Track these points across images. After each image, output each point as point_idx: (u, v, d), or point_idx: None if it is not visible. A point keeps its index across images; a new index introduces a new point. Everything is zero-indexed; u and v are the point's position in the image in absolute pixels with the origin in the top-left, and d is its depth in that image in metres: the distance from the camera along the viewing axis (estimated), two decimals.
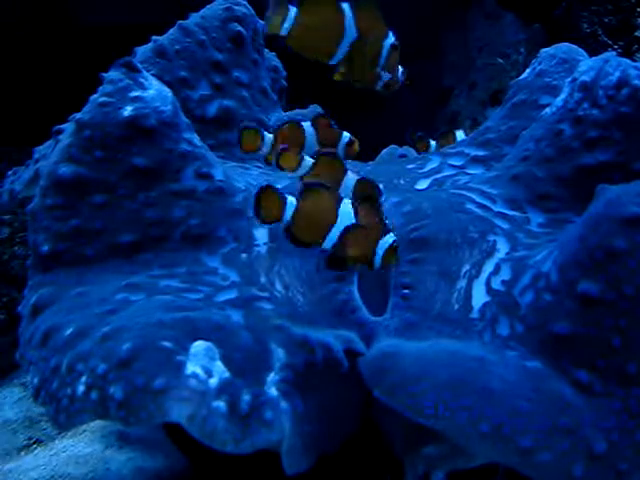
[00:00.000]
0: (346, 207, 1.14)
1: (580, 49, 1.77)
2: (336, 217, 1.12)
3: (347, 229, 1.13)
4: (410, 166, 1.75)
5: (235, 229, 1.34)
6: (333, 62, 1.12)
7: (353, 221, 1.13)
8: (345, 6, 1.10)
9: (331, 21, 1.09)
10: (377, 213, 1.16)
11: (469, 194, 1.48)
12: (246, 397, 0.95)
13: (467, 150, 1.74)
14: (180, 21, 1.67)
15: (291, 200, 1.14)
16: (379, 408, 1.04)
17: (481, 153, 1.72)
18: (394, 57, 1.10)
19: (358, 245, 1.14)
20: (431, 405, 0.92)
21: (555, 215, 1.40)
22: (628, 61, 1.42)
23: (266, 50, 1.80)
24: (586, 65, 1.43)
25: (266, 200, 1.16)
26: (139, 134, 1.30)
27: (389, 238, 1.16)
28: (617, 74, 1.38)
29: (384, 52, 1.10)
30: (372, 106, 2.97)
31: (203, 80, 1.63)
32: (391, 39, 1.10)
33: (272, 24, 1.09)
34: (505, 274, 1.21)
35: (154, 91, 1.34)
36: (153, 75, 1.42)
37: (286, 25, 1.08)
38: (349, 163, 1.70)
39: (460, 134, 1.96)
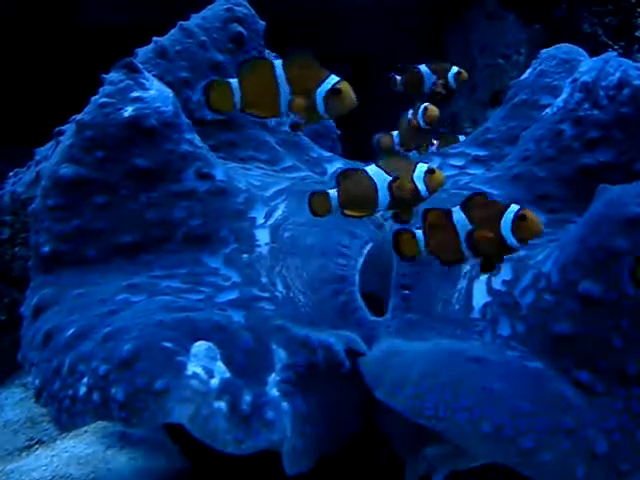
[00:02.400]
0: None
1: (581, 49, 1.77)
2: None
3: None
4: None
5: (236, 229, 1.34)
6: (281, 118, 1.14)
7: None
8: (277, 63, 1.13)
9: (265, 81, 1.12)
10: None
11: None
12: (247, 397, 0.95)
13: (468, 150, 1.75)
14: (181, 22, 1.67)
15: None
16: (380, 408, 1.04)
17: (482, 153, 1.72)
18: (337, 99, 1.11)
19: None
20: (432, 406, 0.92)
21: (556, 215, 1.40)
22: (629, 61, 1.42)
23: (267, 51, 1.80)
24: (587, 65, 1.43)
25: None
26: (140, 135, 1.30)
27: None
28: (618, 74, 1.38)
29: (319, 99, 1.11)
30: (372, 106, 2.97)
31: (204, 81, 1.63)
32: (329, 84, 1.10)
33: (219, 102, 1.13)
34: (506, 274, 1.21)
35: (155, 91, 1.34)
36: (154, 76, 1.42)
37: (235, 99, 1.12)
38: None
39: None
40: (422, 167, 1.16)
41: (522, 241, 1.08)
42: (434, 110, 1.74)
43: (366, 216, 1.20)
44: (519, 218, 1.07)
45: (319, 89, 1.11)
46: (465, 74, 1.77)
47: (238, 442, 0.92)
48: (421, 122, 1.75)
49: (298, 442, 0.96)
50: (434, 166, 1.18)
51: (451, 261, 1.15)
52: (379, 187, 1.15)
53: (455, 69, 1.78)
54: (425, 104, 1.75)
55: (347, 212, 1.16)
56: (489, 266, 1.14)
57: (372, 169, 1.16)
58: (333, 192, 1.16)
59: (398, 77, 1.83)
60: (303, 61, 1.13)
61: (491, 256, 1.12)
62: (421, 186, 1.16)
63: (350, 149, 1.99)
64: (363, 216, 1.18)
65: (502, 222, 1.08)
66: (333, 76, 1.12)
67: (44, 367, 1.07)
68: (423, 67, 1.80)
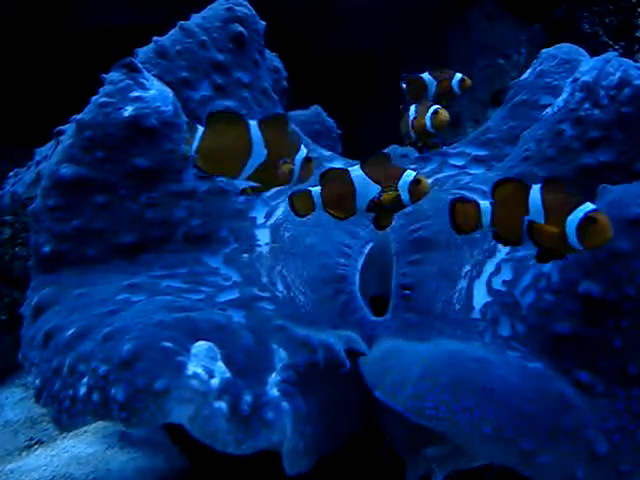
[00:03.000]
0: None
1: (581, 49, 1.76)
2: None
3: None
4: (411, 166, 1.75)
5: (237, 229, 1.34)
6: (240, 179, 1.12)
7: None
8: (253, 125, 1.08)
9: (237, 141, 1.08)
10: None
11: (470, 194, 1.48)
12: (247, 398, 0.95)
13: (468, 150, 1.74)
14: (181, 22, 1.67)
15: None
16: (380, 408, 1.04)
17: (482, 153, 1.72)
18: (308, 169, 1.12)
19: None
20: (432, 406, 0.92)
21: None
22: (629, 61, 1.42)
23: (267, 50, 1.80)
24: (587, 65, 1.43)
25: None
26: (140, 134, 1.30)
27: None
28: (618, 74, 1.38)
29: (296, 170, 1.12)
30: (372, 106, 2.97)
31: (204, 81, 1.63)
32: (303, 153, 1.11)
33: (186, 145, 1.10)
34: (506, 274, 1.21)
35: (155, 91, 1.34)
36: (154, 76, 1.42)
37: (194, 144, 1.07)
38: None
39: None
40: (409, 175, 1.14)
41: (586, 247, 0.97)
42: (445, 115, 1.67)
43: (345, 218, 1.18)
44: (589, 220, 0.96)
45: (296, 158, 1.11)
46: (469, 81, 1.75)
47: (238, 442, 0.92)
48: (428, 124, 1.69)
49: (298, 442, 0.96)
50: (421, 174, 1.16)
51: (513, 243, 1.10)
52: (358, 190, 1.14)
53: (459, 76, 1.76)
54: (435, 107, 1.68)
55: (329, 211, 1.16)
56: (546, 258, 1.05)
57: (355, 171, 1.15)
58: (315, 190, 1.16)
59: (404, 85, 1.82)
60: (281, 130, 1.10)
61: (552, 250, 1.03)
62: (404, 195, 1.14)
63: (350, 149, 1.99)
64: (342, 217, 1.17)
65: (569, 218, 0.98)
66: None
67: (44, 367, 1.07)
68: (426, 75, 1.79)
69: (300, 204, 1.16)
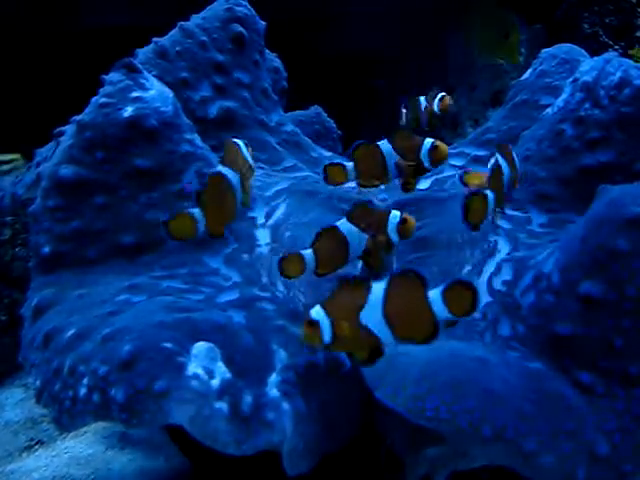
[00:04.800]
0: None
1: (581, 49, 1.77)
2: None
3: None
4: None
5: (237, 229, 1.34)
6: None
7: None
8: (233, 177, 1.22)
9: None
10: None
11: None
12: (248, 398, 0.95)
13: (468, 150, 1.75)
14: (181, 22, 1.67)
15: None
16: (380, 409, 1.04)
17: (482, 153, 1.72)
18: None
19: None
20: (432, 407, 0.92)
21: (556, 215, 1.40)
22: (629, 61, 1.42)
23: (267, 51, 1.80)
24: (588, 65, 1.43)
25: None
26: (140, 135, 1.29)
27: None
28: (619, 74, 1.38)
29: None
30: (373, 106, 2.97)
31: (204, 81, 1.63)
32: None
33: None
34: (506, 274, 1.21)
35: (155, 92, 1.34)
36: (154, 76, 1.42)
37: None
38: None
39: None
40: (395, 217, 1.20)
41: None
42: (448, 99, 2.04)
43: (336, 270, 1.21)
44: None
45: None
46: (448, 100, 2.04)
47: (238, 443, 0.92)
48: (436, 109, 2.02)
49: (298, 442, 0.96)
50: (405, 213, 1.21)
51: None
52: (351, 243, 1.18)
53: (439, 96, 2.04)
54: (442, 93, 2.04)
55: (319, 272, 1.19)
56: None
57: (344, 225, 1.19)
58: (308, 253, 1.18)
59: (404, 111, 2.08)
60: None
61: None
62: (394, 237, 1.20)
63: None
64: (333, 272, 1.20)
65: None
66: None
67: (45, 368, 1.07)
68: (422, 99, 2.06)
69: (292, 267, 1.17)
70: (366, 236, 1.19)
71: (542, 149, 1.45)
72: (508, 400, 0.92)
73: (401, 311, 0.94)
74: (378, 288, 0.94)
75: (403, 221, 1.19)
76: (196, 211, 1.19)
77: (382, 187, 1.61)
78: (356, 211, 1.20)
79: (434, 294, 0.93)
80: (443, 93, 2.04)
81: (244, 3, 1.72)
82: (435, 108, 2.03)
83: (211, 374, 0.97)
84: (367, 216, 1.20)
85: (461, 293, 0.93)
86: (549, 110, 1.49)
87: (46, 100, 2.48)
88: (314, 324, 0.95)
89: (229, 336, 1.03)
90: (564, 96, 1.45)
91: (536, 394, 0.94)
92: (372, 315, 0.94)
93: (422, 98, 2.04)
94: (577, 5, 2.76)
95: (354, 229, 1.19)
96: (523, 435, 0.90)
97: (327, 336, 0.95)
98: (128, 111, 1.29)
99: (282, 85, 1.91)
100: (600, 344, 1.00)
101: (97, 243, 1.26)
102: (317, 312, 0.96)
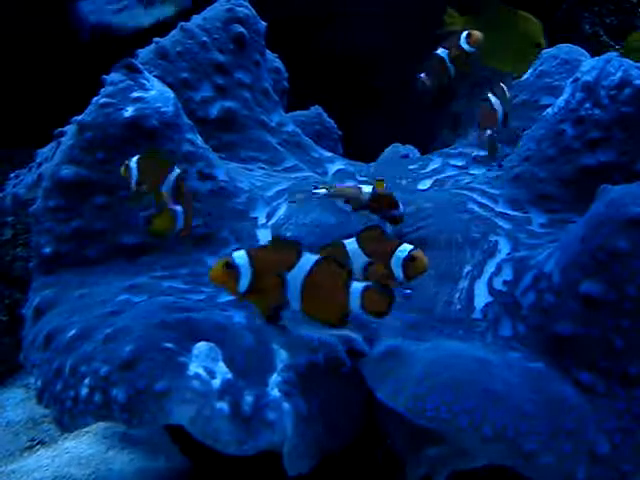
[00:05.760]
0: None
1: (582, 50, 1.77)
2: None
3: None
4: (412, 167, 1.76)
5: (238, 230, 1.34)
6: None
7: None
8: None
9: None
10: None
11: (471, 194, 1.48)
12: (249, 398, 0.95)
13: (468, 150, 1.75)
14: (182, 22, 1.67)
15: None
16: (381, 409, 1.04)
17: (482, 153, 1.72)
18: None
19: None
20: (433, 407, 0.92)
21: (557, 215, 1.40)
22: (630, 61, 1.42)
23: (268, 51, 1.80)
24: (588, 65, 1.43)
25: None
26: (141, 135, 1.30)
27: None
28: (619, 74, 1.38)
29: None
30: (373, 106, 2.97)
31: (205, 81, 1.64)
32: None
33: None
34: (507, 274, 1.21)
35: (156, 92, 1.34)
36: (155, 77, 1.42)
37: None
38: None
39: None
40: (404, 251, 1.08)
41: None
42: (478, 33, 1.79)
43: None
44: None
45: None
46: (476, 34, 1.79)
47: (239, 443, 0.92)
48: (466, 47, 1.78)
49: (299, 443, 0.96)
50: (417, 250, 1.09)
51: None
52: (353, 264, 1.09)
53: (465, 33, 1.79)
54: (467, 31, 1.79)
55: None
56: None
57: (351, 244, 1.11)
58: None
59: (423, 75, 1.83)
60: (152, 161, 1.16)
61: None
62: (398, 273, 1.09)
63: (351, 150, 1.99)
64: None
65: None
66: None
67: (46, 368, 1.07)
68: (440, 50, 1.82)
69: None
70: (367, 260, 1.10)
71: (542, 149, 1.45)
72: (509, 400, 0.92)
73: (319, 289, 0.96)
74: (308, 259, 0.96)
75: (412, 258, 1.08)
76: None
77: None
78: (366, 233, 1.12)
79: (355, 288, 0.95)
80: (466, 31, 1.79)
81: (245, 3, 1.72)
82: (465, 46, 1.79)
83: (212, 374, 0.97)
84: (376, 242, 1.10)
85: (380, 297, 0.96)
86: (549, 110, 1.49)
87: (47, 101, 2.48)
88: (233, 268, 0.95)
89: (230, 336, 1.03)
90: (564, 96, 1.45)
91: (536, 394, 0.94)
92: (291, 282, 0.96)
93: (441, 50, 1.82)
94: (577, 5, 2.76)
95: (359, 251, 1.11)
96: (523, 435, 0.90)
97: (243, 285, 0.96)
98: (129, 111, 1.29)
99: (283, 85, 1.91)
100: (600, 344, 1.00)
101: (98, 243, 1.26)
102: (240, 258, 0.96)
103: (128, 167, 1.15)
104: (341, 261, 1.04)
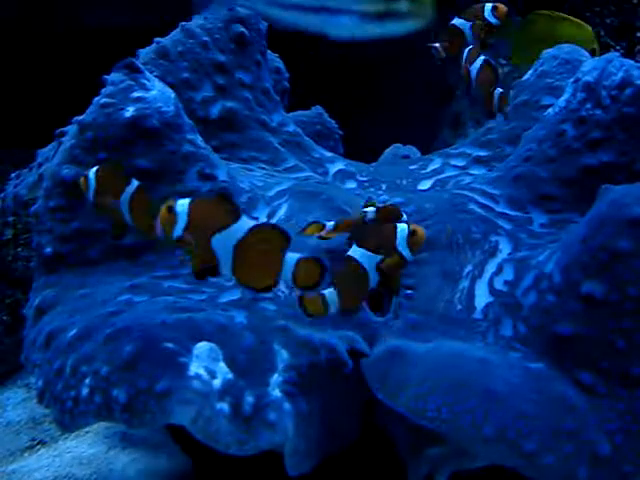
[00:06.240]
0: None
1: (582, 50, 1.76)
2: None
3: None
4: (413, 167, 1.76)
5: None
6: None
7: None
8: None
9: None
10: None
11: (471, 194, 1.48)
12: (249, 399, 0.95)
13: (469, 150, 1.75)
14: (183, 22, 1.67)
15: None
16: (382, 409, 1.04)
17: (483, 153, 1.72)
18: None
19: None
20: (434, 407, 0.92)
21: (558, 215, 1.40)
22: (631, 61, 1.42)
23: (269, 51, 1.80)
24: (589, 65, 1.43)
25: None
26: (141, 135, 1.29)
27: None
28: (620, 74, 1.38)
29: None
30: (374, 106, 2.97)
31: (206, 81, 1.63)
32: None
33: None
34: (508, 274, 1.21)
35: (157, 92, 1.34)
36: (156, 77, 1.42)
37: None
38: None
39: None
40: (403, 230, 1.09)
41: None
42: (503, 7, 1.74)
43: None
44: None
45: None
46: (502, 7, 1.74)
47: (240, 443, 0.92)
48: (492, 20, 1.73)
49: (300, 443, 0.96)
50: (413, 224, 1.11)
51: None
52: (368, 269, 1.08)
53: (489, 5, 1.75)
54: (492, 4, 1.73)
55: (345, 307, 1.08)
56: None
57: (357, 252, 1.09)
58: (329, 292, 1.07)
59: (437, 44, 1.77)
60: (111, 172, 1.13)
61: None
62: (405, 252, 1.09)
63: (352, 150, 1.99)
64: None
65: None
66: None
67: (47, 368, 1.07)
68: (457, 21, 1.77)
69: (314, 307, 1.07)
70: (379, 257, 1.08)
71: (543, 149, 1.45)
72: (510, 400, 0.92)
73: (251, 254, 0.96)
74: (245, 223, 0.96)
75: (412, 233, 1.09)
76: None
77: (383, 188, 1.61)
78: (361, 234, 1.11)
79: (290, 257, 0.95)
80: (493, 3, 1.71)
81: (246, 3, 1.72)
82: (492, 19, 1.72)
83: (213, 374, 0.97)
84: (374, 236, 1.09)
85: (313, 268, 0.97)
86: (550, 110, 1.49)
87: (47, 101, 2.48)
88: (172, 213, 0.96)
89: (231, 336, 1.03)
90: (565, 96, 1.45)
91: (537, 394, 0.94)
92: (225, 241, 0.97)
93: (458, 22, 1.73)
94: (579, 5, 2.76)
95: (367, 253, 1.08)
96: (524, 435, 0.90)
97: (178, 231, 0.97)
98: (130, 111, 1.29)
99: (284, 85, 1.91)
100: (602, 344, 1.00)
101: (99, 243, 1.26)
102: (182, 205, 0.97)
103: (87, 178, 1.13)
104: (360, 276, 1.06)
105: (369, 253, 1.09)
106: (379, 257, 1.08)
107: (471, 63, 1.60)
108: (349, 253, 1.09)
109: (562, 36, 1.86)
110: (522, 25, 1.92)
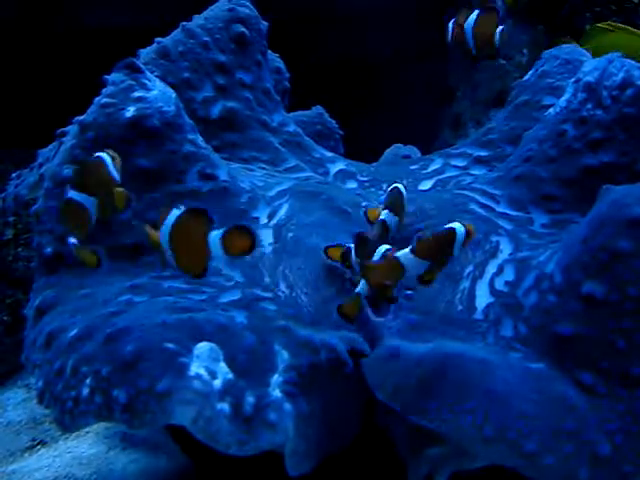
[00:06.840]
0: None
1: (583, 50, 1.77)
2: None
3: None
4: (413, 167, 1.76)
5: None
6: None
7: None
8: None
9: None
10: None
11: (472, 194, 1.48)
12: (250, 399, 0.95)
13: (470, 151, 1.74)
14: (184, 22, 1.67)
15: None
16: (382, 409, 1.04)
17: (484, 154, 1.72)
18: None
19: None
20: (434, 408, 0.92)
21: (558, 216, 1.40)
22: (632, 62, 1.42)
23: (269, 51, 1.80)
24: (590, 66, 1.43)
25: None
26: (142, 135, 1.30)
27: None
28: (621, 75, 1.38)
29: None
30: (374, 106, 2.97)
31: (206, 81, 1.63)
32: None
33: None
34: (509, 275, 1.21)
35: (157, 92, 1.34)
36: (156, 76, 1.42)
37: None
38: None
39: None
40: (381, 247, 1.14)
41: None
42: None
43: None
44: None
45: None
46: None
47: (240, 444, 0.92)
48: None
49: (300, 443, 0.96)
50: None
51: None
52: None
53: None
54: None
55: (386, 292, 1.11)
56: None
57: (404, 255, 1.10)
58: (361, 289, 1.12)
59: (450, 26, 1.79)
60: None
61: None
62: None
63: (352, 149, 1.99)
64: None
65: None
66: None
67: (47, 368, 1.07)
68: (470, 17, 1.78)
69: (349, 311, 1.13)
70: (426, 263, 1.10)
71: (544, 149, 1.44)
72: (510, 401, 0.92)
73: (181, 240, 1.04)
74: (173, 214, 1.05)
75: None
76: None
77: (383, 188, 1.61)
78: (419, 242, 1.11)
79: (214, 234, 1.03)
80: None
81: (246, 3, 1.72)
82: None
83: (213, 374, 0.97)
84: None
85: (240, 235, 1.04)
86: (551, 110, 1.49)
87: (48, 101, 2.48)
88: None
89: (231, 336, 1.03)
90: (566, 96, 1.45)
91: (538, 394, 0.94)
92: (163, 236, 1.05)
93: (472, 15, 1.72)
94: (579, 6, 2.76)
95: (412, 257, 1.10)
96: (525, 435, 0.90)
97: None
98: (130, 111, 1.29)
99: (284, 85, 1.91)
100: (602, 344, 1.00)
101: (99, 243, 1.26)
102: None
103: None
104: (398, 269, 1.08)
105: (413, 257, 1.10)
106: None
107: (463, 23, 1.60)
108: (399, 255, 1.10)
109: (624, 48, 1.81)
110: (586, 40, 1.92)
